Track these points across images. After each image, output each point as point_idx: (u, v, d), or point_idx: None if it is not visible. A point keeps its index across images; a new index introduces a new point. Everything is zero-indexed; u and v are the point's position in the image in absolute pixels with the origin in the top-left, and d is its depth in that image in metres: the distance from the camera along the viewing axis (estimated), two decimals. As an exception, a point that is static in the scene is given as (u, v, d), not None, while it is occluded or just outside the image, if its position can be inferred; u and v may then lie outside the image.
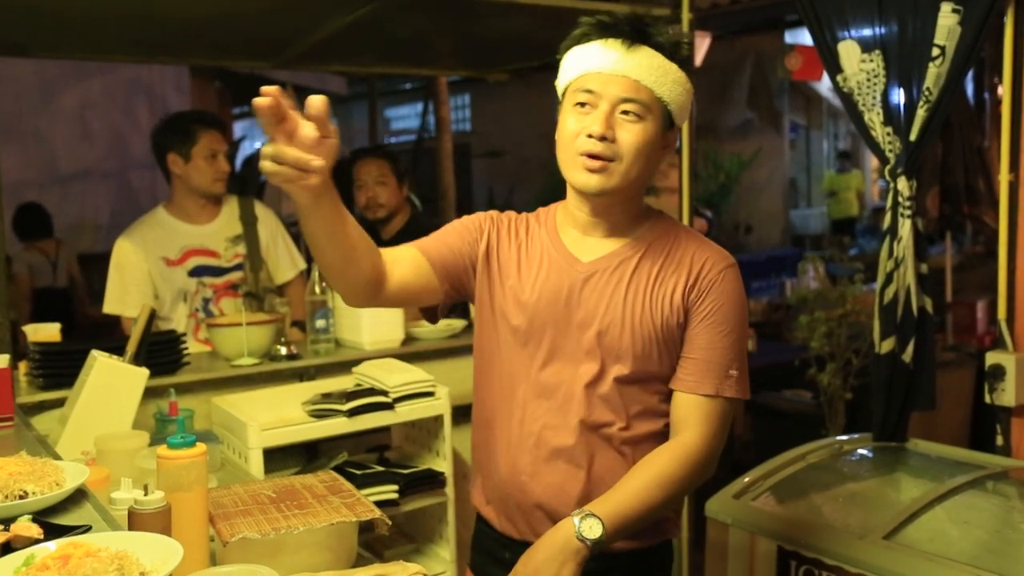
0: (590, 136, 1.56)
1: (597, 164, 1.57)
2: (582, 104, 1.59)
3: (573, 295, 1.64)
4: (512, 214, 1.78)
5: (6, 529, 1.30)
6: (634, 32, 1.59)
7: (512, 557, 1.65)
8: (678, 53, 1.61)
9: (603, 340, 1.62)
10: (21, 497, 1.41)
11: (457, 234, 1.72)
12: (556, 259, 1.68)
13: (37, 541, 1.28)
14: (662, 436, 1.66)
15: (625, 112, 1.57)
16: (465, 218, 1.76)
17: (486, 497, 1.76)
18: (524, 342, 1.66)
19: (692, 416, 1.62)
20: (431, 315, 1.79)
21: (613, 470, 1.64)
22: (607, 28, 1.59)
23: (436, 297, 1.72)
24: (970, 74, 5.41)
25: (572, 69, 1.62)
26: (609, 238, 1.68)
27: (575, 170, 1.60)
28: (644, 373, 1.63)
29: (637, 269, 1.64)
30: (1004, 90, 2.65)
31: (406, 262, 1.66)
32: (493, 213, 1.77)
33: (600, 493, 1.61)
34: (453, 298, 1.75)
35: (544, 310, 1.64)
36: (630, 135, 1.57)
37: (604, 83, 1.58)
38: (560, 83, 1.67)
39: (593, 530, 1.51)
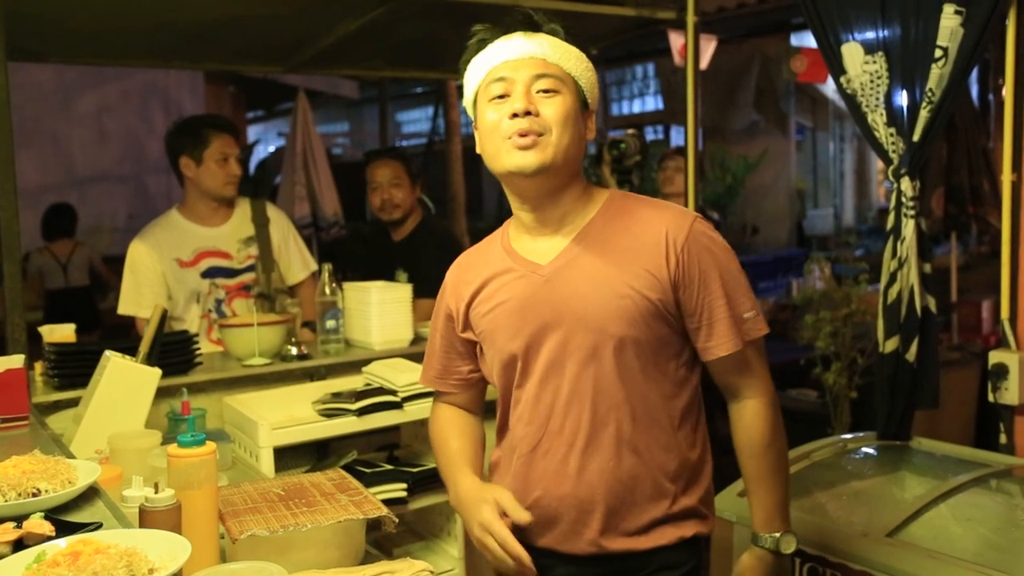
0: (514, 116, 1.57)
1: (528, 140, 1.56)
2: (498, 96, 1.60)
3: (543, 299, 1.63)
4: (459, 260, 1.82)
5: (18, 526, 1.32)
6: (528, 23, 1.63)
7: (567, 569, 1.66)
8: (570, 37, 1.65)
9: (589, 323, 1.60)
10: (34, 495, 1.43)
11: (454, 347, 1.81)
12: (516, 270, 1.68)
13: (49, 538, 1.29)
14: (665, 412, 1.65)
15: (541, 90, 1.59)
16: (436, 319, 1.83)
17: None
18: (515, 362, 1.67)
19: (733, 375, 1.67)
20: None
21: (604, 470, 1.63)
22: (502, 26, 1.63)
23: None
24: (974, 75, 5.40)
25: (478, 71, 1.64)
26: (559, 233, 1.66)
27: (507, 155, 1.59)
28: (637, 345, 1.60)
29: (603, 251, 1.62)
30: (1007, 91, 2.66)
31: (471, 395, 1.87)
32: (448, 280, 1.81)
33: (589, 479, 1.63)
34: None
35: (521, 323, 1.64)
36: (552, 107, 1.58)
37: (514, 68, 1.60)
38: (469, 93, 1.68)
39: (790, 544, 1.75)
